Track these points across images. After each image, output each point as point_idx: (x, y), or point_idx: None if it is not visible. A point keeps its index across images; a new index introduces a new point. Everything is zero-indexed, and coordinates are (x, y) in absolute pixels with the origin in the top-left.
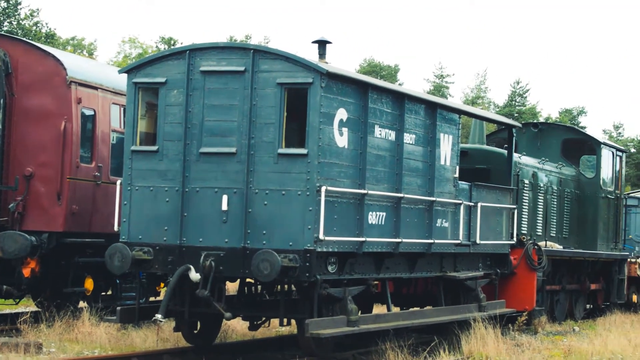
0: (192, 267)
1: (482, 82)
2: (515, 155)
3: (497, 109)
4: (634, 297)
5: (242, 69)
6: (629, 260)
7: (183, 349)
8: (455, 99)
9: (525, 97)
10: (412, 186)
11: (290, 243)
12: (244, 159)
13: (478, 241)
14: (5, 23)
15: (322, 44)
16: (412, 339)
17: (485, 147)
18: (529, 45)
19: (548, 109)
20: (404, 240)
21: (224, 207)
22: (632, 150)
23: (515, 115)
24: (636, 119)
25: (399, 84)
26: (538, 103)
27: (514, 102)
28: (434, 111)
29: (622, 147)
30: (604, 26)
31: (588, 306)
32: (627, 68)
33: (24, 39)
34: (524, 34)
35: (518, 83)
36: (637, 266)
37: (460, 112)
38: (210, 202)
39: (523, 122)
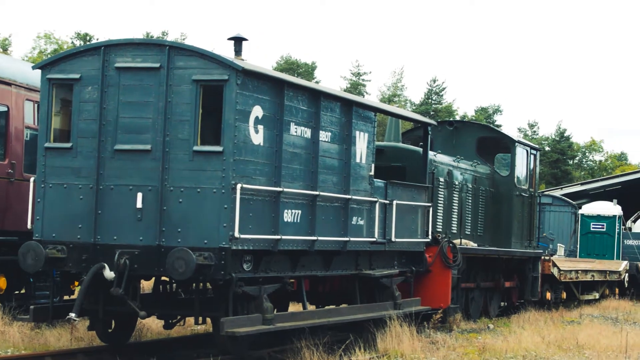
0: (106, 265)
1: (398, 80)
2: (431, 153)
3: (414, 107)
4: (548, 295)
5: (157, 65)
6: (542, 258)
7: (97, 348)
8: (371, 97)
9: (442, 95)
10: (328, 184)
11: (206, 241)
12: (159, 157)
13: (393, 239)
14: None
15: (238, 41)
16: (327, 336)
17: (401, 145)
18: (446, 44)
19: (464, 107)
20: (320, 238)
21: (139, 204)
22: (547, 148)
23: (432, 113)
24: (551, 118)
25: (316, 82)
26: (454, 101)
27: (430, 101)
28: (350, 109)
29: (537, 146)
30: (519, 25)
31: (503, 304)
32: (542, 67)
33: None
34: (440, 33)
35: (434, 81)
36: (550, 264)
37: (376, 110)
38: (124, 199)
39: (439, 120)
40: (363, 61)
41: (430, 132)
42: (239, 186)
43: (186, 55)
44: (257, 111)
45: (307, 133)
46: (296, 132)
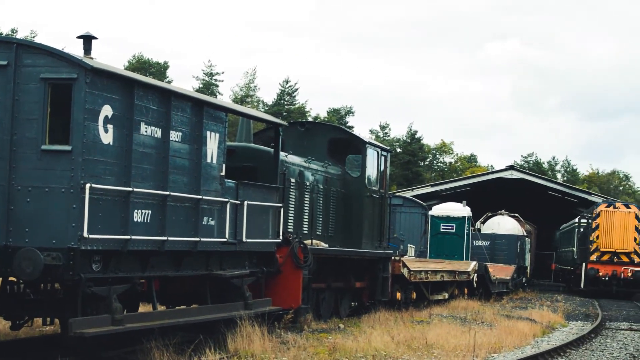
0: None
1: (251, 81)
2: (282, 154)
3: (266, 108)
4: (398, 295)
5: (4, 63)
6: (393, 258)
7: None
8: (224, 98)
9: (294, 96)
10: (179, 184)
11: (54, 241)
12: (6, 155)
13: (244, 239)
14: None
15: (87, 40)
16: (178, 337)
17: (252, 145)
18: (298, 45)
19: (317, 109)
20: (170, 238)
21: None
22: (398, 150)
23: (284, 114)
24: (402, 120)
25: (168, 81)
26: (307, 102)
27: (282, 101)
28: (201, 109)
29: (387, 147)
30: (371, 26)
31: (353, 304)
32: (393, 69)
33: None
34: (293, 33)
35: (287, 82)
36: (401, 264)
37: (227, 110)
38: None
39: (291, 121)
40: (216, 61)
41: (281, 133)
42: (87, 186)
43: (34, 53)
44: (107, 110)
45: (158, 133)
46: (146, 131)
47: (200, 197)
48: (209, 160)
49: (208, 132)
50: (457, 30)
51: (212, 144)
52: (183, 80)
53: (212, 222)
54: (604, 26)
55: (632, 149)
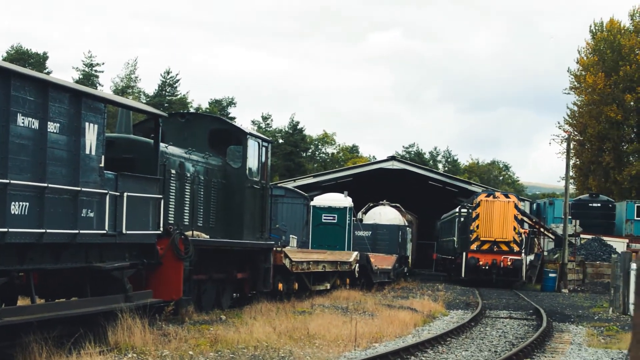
0: None
1: (132, 72)
2: (162, 145)
3: (148, 99)
4: (280, 286)
5: None
6: (274, 249)
7: None
8: (105, 89)
9: (176, 87)
10: (57, 176)
11: None
12: None
13: (124, 231)
14: None
15: None
16: (57, 330)
17: (131, 136)
18: (180, 35)
19: (198, 100)
20: (48, 230)
21: None
22: (280, 141)
23: (166, 105)
24: (284, 111)
25: (47, 73)
26: (188, 93)
27: (164, 92)
28: (79, 100)
29: (269, 138)
30: (253, 18)
31: (235, 295)
32: (275, 61)
33: None
34: (175, 23)
35: (168, 73)
36: (282, 255)
37: (105, 101)
38: None
39: (172, 112)
40: (96, 52)
41: (161, 124)
42: None
43: None
44: None
45: (35, 124)
46: (23, 122)
47: (79, 188)
48: (87, 152)
49: (87, 123)
50: (340, 21)
51: (91, 135)
52: (63, 71)
53: (92, 214)
54: (482, 18)
55: (511, 140)
